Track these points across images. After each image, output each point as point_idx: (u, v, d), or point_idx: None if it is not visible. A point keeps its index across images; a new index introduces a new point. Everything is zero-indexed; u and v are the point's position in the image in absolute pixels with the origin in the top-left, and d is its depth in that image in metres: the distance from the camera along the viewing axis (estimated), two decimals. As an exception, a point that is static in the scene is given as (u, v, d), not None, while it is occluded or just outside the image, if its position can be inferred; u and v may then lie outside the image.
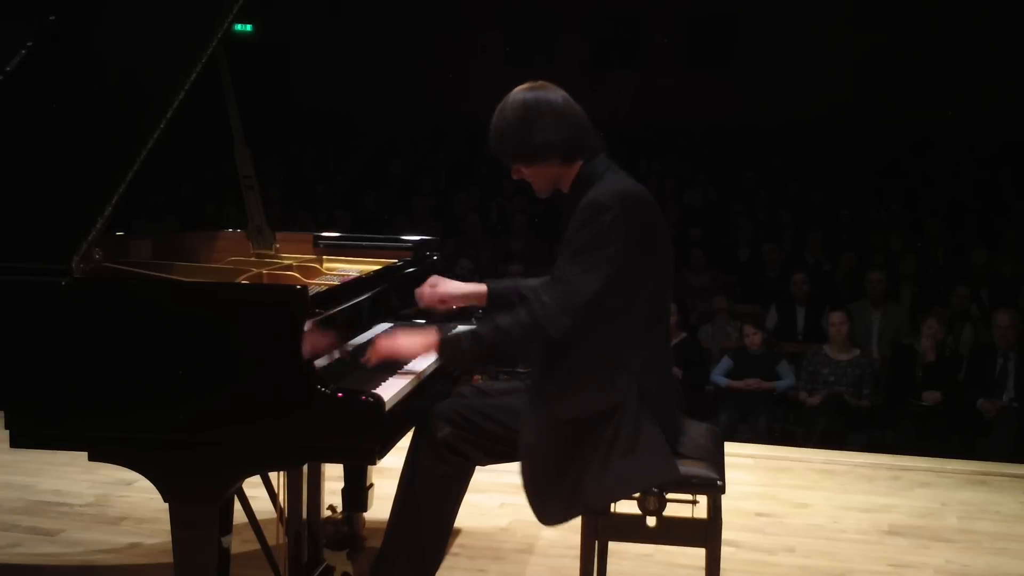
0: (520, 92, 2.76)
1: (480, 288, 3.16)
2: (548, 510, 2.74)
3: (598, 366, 2.68)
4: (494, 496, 4.36)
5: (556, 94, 2.75)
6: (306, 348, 2.43)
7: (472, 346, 2.75)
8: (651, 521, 2.72)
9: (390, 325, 3.23)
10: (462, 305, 3.24)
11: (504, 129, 2.74)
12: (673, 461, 2.72)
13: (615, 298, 2.64)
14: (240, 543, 3.39)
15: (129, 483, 4.37)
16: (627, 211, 2.64)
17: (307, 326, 2.44)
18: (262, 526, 3.13)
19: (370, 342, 2.87)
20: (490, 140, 2.77)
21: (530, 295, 2.78)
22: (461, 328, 3.03)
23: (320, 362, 2.57)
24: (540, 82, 2.79)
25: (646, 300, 2.71)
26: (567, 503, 2.71)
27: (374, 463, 2.49)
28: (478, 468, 2.93)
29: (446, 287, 3.16)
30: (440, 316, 3.33)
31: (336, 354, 2.72)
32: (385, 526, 2.94)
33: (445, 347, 2.82)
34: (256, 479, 2.87)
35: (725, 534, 2.87)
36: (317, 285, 3.11)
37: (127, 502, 4.28)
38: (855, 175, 11.57)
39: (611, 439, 2.66)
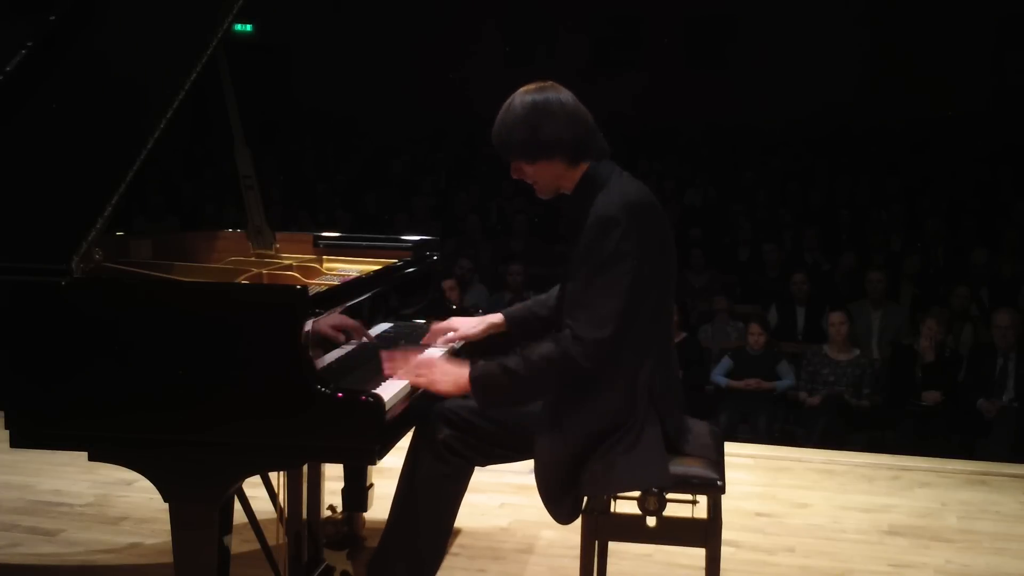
0: (529, 89, 2.72)
1: (496, 318, 3.16)
2: (562, 511, 2.75)
3: (617, 377, 2.65)
4: (494, 496, 4.37)
5: (565, 94, 2.73)
6: (306, 347, 2.43)
7: (509, 382, 2.62)
8: (651, 521, 2.72)
9: (389, 325, 3.23)
10: (482, 336, 3.16)
11: (511, 124, 2.68)
12: (667, 464, 2.70)
13: (632, 310, 2.61)
14: (240, 543, 3.39)
15: (129, 483, 4.37)
16: (635, 222, 2.60)
17: (307, 326, 2.44)
18: (262, 526, 3.13)
19: (396, 354, 2.82)
20: (494, 136, 2.72)
21: (553, 319, 2.70)
22: (484, 363, 2.72)
23: (320, 362, 2.57)
24: (549, 82, 2.75)
25: (653, 303, 2.69)
26: (578, 500, 2.73)
27: (374, 463, 2.49)
28: (478, 468, 2.93)
29: (463, 327, 3.13)
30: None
31: (340, 353, 2.72)
32: (384, 526, 2.94)
33: (477, 384, 2.65)
34: (256, 479, 2.87)
35: (725, 534, 2.87)
36: (317, 285, 3.11)
37: (127, 502, 4.28)
38: (855, 175, 11.56)
39: (616, 438, 2.66)
